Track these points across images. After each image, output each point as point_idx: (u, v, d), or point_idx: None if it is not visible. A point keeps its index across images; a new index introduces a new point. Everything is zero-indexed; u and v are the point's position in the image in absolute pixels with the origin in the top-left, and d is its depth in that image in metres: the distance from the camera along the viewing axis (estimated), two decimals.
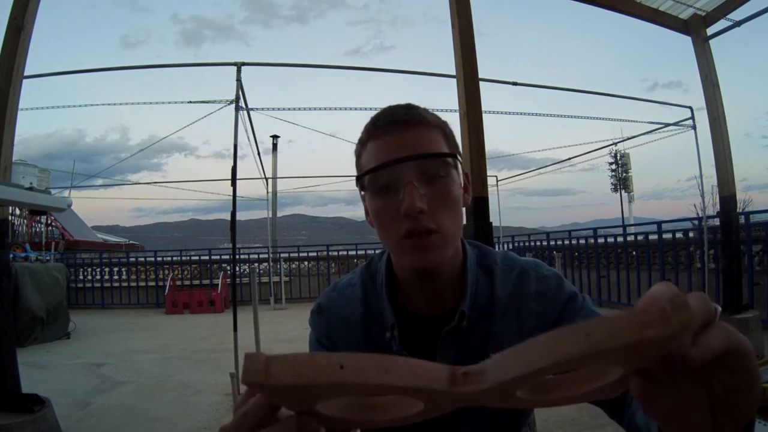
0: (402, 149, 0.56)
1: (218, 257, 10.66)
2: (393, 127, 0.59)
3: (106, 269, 10.20)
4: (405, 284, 0.66)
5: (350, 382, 0.21)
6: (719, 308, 0.24)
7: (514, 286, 0.65)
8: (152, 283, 10.00)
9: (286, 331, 6.13)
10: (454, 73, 2.77)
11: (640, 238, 7.09)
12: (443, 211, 0.57)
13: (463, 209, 0.63)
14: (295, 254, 10.70)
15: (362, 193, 0.63)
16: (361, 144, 0.62)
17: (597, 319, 0.21)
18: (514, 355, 0.23)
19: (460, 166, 0.60)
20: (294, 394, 0.22)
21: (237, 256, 5.69)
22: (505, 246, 10.37)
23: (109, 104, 8.35)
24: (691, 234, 6.15)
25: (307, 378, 0.21)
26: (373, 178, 0.58)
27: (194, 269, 10.49)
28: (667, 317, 0.20)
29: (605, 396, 0.25)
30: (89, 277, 10.06)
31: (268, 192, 9.60)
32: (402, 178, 0.56)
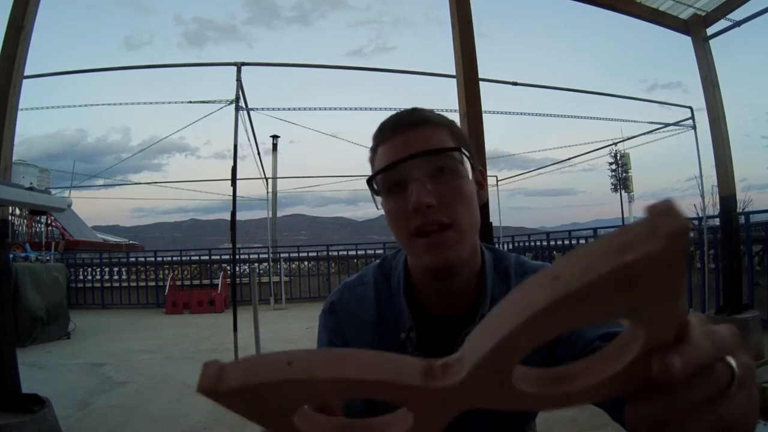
0: (407, 148, 0.57)
1: (218, 257, 10.66)
2: (397, 129, 0.60)
3: (106, 269, 10.19)
4: (421, 284, 0.65)
5: (298, 378, 0.19)
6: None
7: None
8: (152, 283, 10.00)
9: (286, 331, 6.14)
10: (454, 73, 2.77)
11: None
12: (456, 205, 0.56)
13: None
14: (295, 254, 10.69)
15: (378, 197, 0.63)
16: (372, 151, 0.64)
17: (569, 254, 0.17)
18: (485, 328, 0.19)
19: (467, 161, 0.59)
20: (249, 400, 0.20)
21: (237, 256, 5.69)
22: (506, 246, 10.37)
23: (110, 104, 8.37)
24: (691, 234, 6.13)
25: (257, 377, 0.19)
26: (382, 179, 0.59)
27: (194, 269, 10.49)
28: (652, 228, 0.15)
29: (626, 387, 0.21)
30: (89, 277, 10.06)
31: (268, 192, 9.62)
32: (409, 176, 0.56)
